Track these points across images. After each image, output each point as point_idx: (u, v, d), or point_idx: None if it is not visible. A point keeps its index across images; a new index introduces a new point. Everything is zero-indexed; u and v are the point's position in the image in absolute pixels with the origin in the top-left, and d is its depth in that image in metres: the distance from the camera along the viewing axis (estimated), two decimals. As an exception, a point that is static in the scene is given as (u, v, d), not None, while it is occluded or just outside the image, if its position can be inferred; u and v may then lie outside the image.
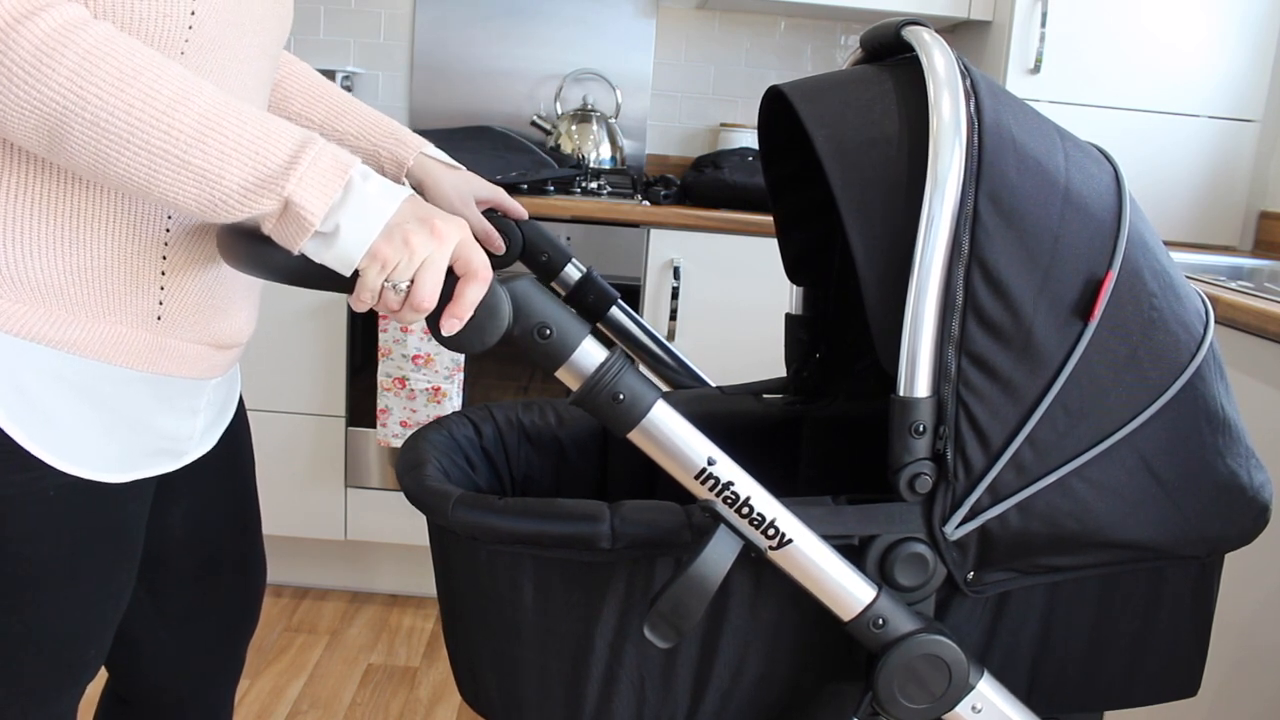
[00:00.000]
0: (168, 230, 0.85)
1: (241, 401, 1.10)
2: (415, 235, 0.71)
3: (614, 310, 1.19)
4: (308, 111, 1.13)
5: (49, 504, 0.84)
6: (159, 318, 0.86)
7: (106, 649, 0.95)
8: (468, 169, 1.19)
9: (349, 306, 2.25)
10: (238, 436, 1.09)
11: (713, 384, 1.19)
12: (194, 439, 0.97)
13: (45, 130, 0.69)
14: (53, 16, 0.68)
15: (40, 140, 0.70)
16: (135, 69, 0.69)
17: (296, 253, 0.73)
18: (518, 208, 1.21)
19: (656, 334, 1.20)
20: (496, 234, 1.18)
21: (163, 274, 0.85)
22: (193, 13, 0.79)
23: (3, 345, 0.79)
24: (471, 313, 0.72)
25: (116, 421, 0.87)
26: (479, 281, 0.72)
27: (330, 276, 0.73)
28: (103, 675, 1.08)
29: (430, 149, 1.16)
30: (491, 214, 1.19)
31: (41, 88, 0.68)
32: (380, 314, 2.17)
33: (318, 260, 0.73)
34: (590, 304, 1.19)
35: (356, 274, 0.73)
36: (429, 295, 0.72)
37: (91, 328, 0.82)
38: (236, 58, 0.86)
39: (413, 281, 0.72)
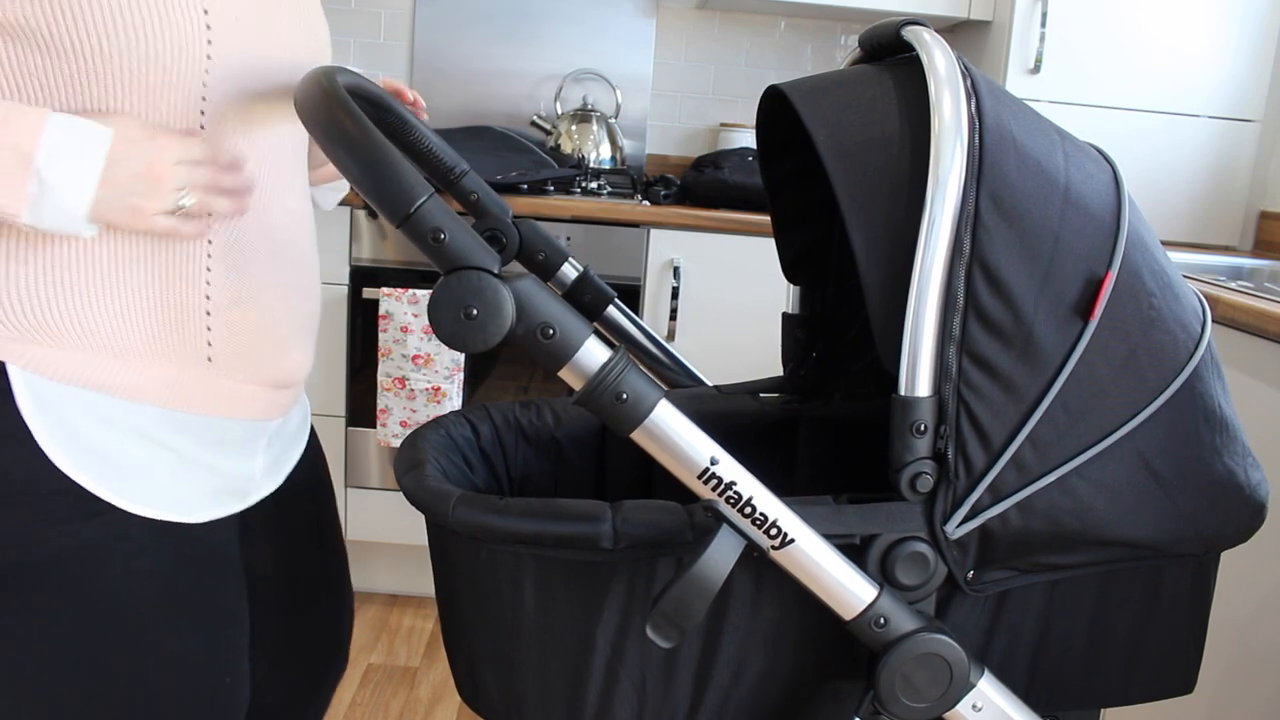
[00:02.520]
0: (209, 269, 0.85)
1: (314, 431, 1.09)
2: (143, 199, 0.76)
3: (610, 309, 1.19)
4: None
5: (133, 542, 0.83)
6: (209, 359, 0.86)
7: (244, 677, 0.94)
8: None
9: (349, 309, 2.26)
10: (312, 469, 1.07)
11: (710, 383, 1.19)
12: (254, 479, 0.96)
13: None
14: None
15: None
16: None
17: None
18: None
19: (653, 333, 1.20)
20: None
21: (208, 314, 0.85)
22: (209, 42, 0.80)
23: (58, 394, 0.79)
24: (241, 181, 0.80)
25: (178, 463, 0.86)
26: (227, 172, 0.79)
27: None
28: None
29: None
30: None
31: None
32: (380, 314, 2.17)
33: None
34: (587, 303, 1.19)
35: None
36: (182, 229, 0.79)
37: (142, 371, 0.82)
38: (264, 82, 0.86)
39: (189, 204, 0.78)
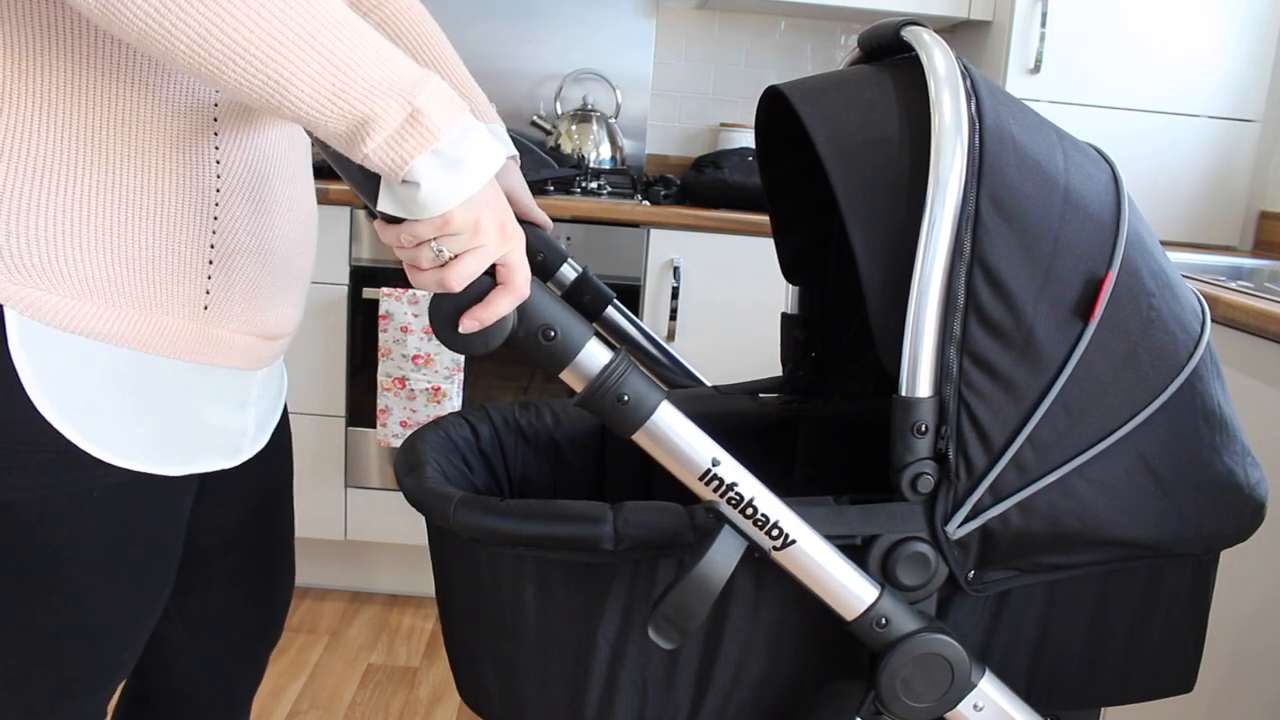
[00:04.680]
0: (215, 218, 0.84)
1: (285, 408, 1.09)
2: (487, 220, 0.71)
3: (609, 310, 1.19)
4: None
5: (92, 505, 0.83)
6: (205, 307, 0.85)
7: (140, 650, 0.94)
8: None
9: (349, 309, 2.26)
10: (280, 441, 1.07)
11: (709, 383, 1.19)
12: (247, 435, 0.96)
13: None
14: None
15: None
16: None
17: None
18: (543, 216, 1.19)
19: (652, 334, 1.20)
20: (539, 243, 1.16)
21: (210, 263, 0.84)
22: None
23: (52, 340, 0.78)
24: (493, 322, 0.71)
25: (166, 414, 0.86)
26: (514, 295, 0.72)
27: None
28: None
29: (507, 141, 1.13)
30: None
31: None
32: (380, 314, 2.17)
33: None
34: (586, 304, 1.19)
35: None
36: (463, 278, 0.71)
37: (138, 319, 0.82)
38: None
39: (455, 257, 0.71)
